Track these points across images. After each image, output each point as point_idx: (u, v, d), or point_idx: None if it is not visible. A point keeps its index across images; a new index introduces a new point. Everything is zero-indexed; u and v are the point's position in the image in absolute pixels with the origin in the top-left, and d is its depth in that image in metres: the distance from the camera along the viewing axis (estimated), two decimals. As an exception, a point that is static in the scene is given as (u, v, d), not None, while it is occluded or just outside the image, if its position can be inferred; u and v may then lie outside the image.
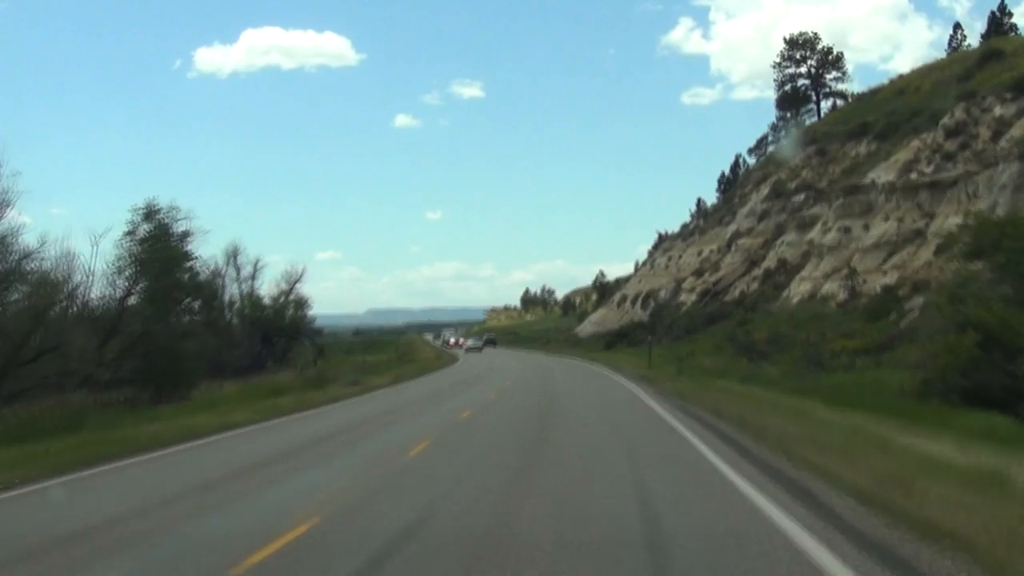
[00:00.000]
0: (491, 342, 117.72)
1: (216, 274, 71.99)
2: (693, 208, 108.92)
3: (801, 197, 74.39)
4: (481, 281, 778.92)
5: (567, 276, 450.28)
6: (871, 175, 64.98)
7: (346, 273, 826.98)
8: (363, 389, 32.93)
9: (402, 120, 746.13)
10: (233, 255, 72.00)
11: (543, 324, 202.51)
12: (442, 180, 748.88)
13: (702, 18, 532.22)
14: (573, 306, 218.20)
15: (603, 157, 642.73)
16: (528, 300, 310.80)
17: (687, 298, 74.44)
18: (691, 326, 64.61)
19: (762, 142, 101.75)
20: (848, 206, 63.77)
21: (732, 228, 78.59)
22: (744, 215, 78.80)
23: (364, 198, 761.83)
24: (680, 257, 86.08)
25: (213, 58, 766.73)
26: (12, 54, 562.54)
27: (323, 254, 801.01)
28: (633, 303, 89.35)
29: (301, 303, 72.71)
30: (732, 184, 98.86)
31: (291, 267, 73.76)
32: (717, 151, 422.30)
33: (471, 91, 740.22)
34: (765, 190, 79.96)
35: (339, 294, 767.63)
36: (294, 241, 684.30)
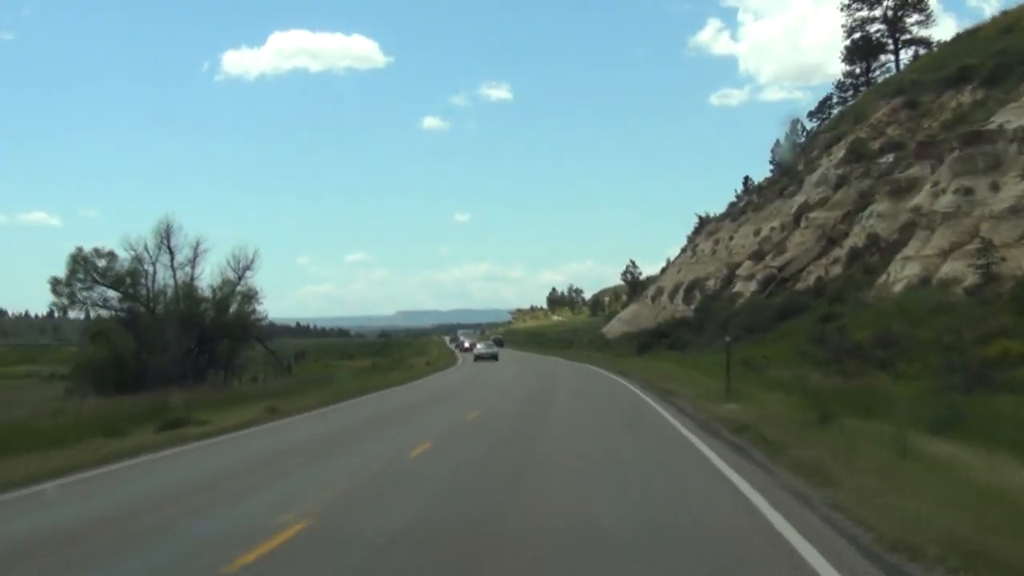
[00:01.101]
0: (498, 343, 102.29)
1: (139, 259, 56.84)
2: (739, 188, 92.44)
3: (891, 157, 58.16)
4: (511, 282, 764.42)
5: (597, 277, 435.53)
6: (996, 119, 48.44)
7: (376, 275, 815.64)
8: (168, 440, 16.98)
9: (430, 122, 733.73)
10: (165, 235, 56.69)
11: (570, 324, 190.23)
12: (471, 182, 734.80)
13: (730, 19, 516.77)
14: (602, 306, 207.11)
15: (632, 158, 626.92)
16: (555, 300, 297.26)
17: (744, 287, 58.14)
18: (754, 323, 48.43)
19: (825, 103, 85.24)
20: (968, 161, 47.21)
21: (799, 200, 62.20)
22: (813, 184, 62.37)
23: (393, 200, 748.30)
24: (731, 239, 69.69)
25: (241, 61, 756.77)
26: (39, 59, 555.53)
27: (352, 256, 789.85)
28: (672, 296, 73.09)
29: (249, 296, 57.03)
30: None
31: (239, 250, 57.91)
32: (747, 152, 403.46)
33: (499, 93, 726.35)
34: (840, 153, 63.60)
35: (368, 295, 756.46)
36: (323, 243, 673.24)
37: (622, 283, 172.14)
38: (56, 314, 56.95)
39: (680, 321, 57.42)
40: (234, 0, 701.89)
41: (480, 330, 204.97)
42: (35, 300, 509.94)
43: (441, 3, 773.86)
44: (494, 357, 72.35)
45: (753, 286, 56.95)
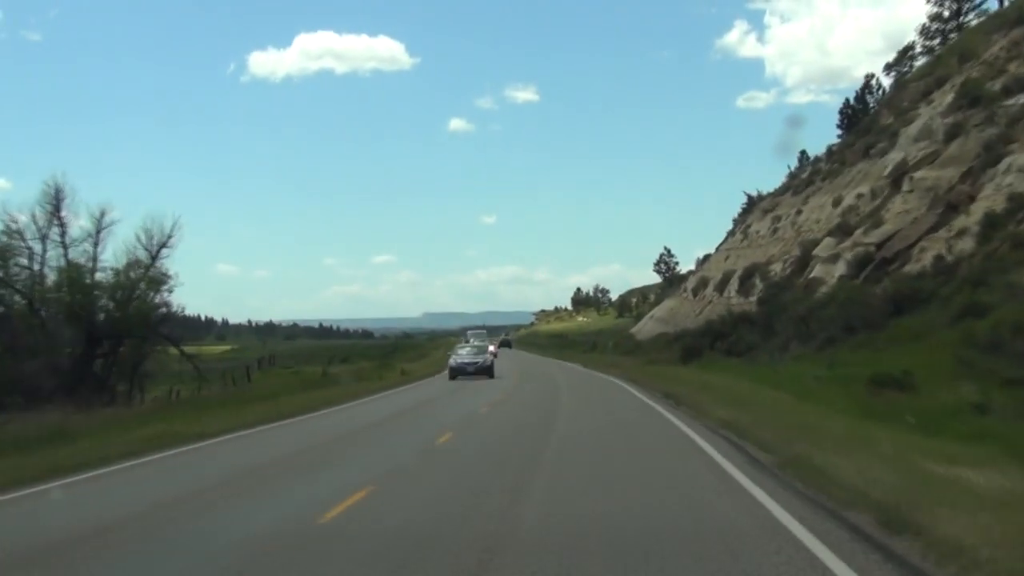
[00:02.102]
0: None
1: (18, 234, 42.51)
2: (793, 165, 77.39)
3: (1021, 98, 43.02)
4: (537, 285, 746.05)
5: (623, 280, 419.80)
6: None
7: (402, 277, 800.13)
8: None
9: (456, 124, 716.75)
10: (54, 203, 42.29)
11: (596, 326, 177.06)
12: (497, 184, 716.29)
13: (757, 22, 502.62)
14: (629, 307, 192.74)
15: (658, 161, 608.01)
16: (580, 301, 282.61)
17: (826, 272, 43.19)
18: (855, 318, 33.63)
19: (905, 54, 69.98)
20: None
21: (894, 158, 47.16)
22: (913, 137, 47.33)
23: (419, 202, 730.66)
24: (798, 213, 54.55)
25: (267, 62, 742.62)
26: (67, 59, 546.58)
27: (379, 258, 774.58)
28: (721, 288, 58.18)
29: (157, 282, 42.50)
30: (860, 115, 67.22)
31: (153, 221, 43.48)
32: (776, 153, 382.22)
33: (525, 95, 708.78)
34: (946, 98, 48.48)
35: (395, 297, 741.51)
36: (350, 244, 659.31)
37: (649, 283, 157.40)
38: None
39: (740, 317, 42.51)
40: (260, 1, 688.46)
41: (505, 332, 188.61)
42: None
43: (467, 4, 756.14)
44: (486, 371, 44.64)
45: (840, 269, 42.01)
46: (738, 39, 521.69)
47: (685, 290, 71.39)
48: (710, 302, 60.59)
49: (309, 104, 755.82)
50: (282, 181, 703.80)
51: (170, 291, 43.11)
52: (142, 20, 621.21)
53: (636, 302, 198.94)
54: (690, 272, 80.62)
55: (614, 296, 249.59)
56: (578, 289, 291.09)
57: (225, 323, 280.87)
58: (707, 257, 76.10)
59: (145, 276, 42.47)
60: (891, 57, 71.69)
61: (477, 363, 45.36)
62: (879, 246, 41.18)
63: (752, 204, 75.64)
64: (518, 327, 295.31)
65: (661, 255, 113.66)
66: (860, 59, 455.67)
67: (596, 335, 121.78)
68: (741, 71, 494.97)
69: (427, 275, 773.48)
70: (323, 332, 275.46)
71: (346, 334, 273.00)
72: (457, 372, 44.89)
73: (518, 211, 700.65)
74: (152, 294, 42.69)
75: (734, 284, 53.87)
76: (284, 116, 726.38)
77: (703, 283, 64.47)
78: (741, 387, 24.34)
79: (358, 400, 31.12)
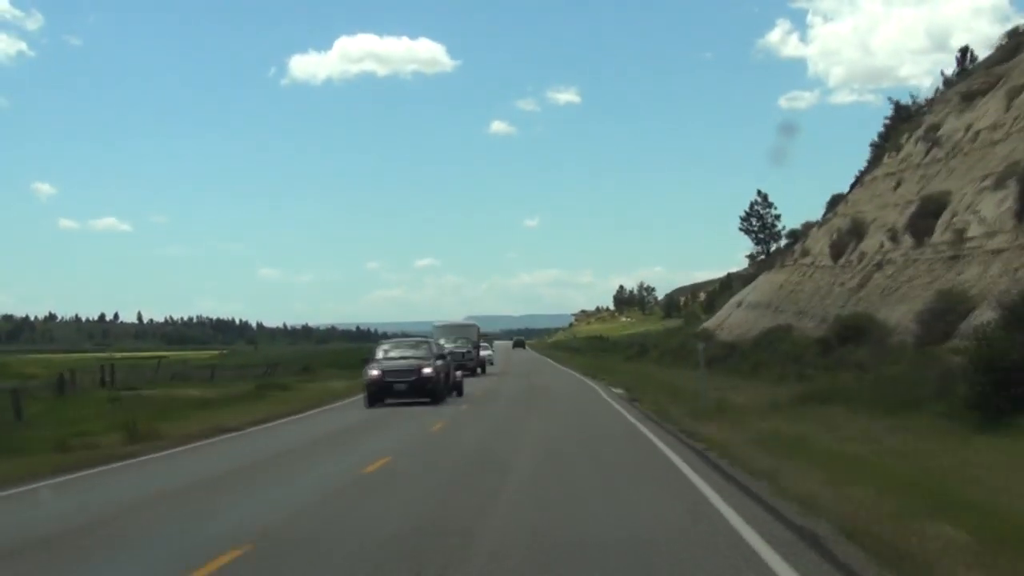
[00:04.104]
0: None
1: None
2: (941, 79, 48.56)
3: None
4: (579, 287, 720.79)
5: (667, 282, 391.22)
6: None
7: (446, 280, 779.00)
8: None
9: (498, 126, 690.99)
10: None
11: (641, 327, 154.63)
12: (539, 187, 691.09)
13: (799, 21, 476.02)
14: (678, 307, 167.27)
15: (702, 162, 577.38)
16: (623, 300, 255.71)
17: None
18: None
19: None
20: None
21: None
22: None
23: (462, 205, 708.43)
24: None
25: (307, 66, 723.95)
26: (105, 65, 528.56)
27: (421, 262, 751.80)
28: (917, 232, 28.35)
29: None
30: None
31: None
32: (820, 155, 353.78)
33: (567, 96, 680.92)
34: None
35: (438, 300, 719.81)
36: (393, 248, 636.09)
37: (699, 281, 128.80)
38: None
39: None
40: (300, 5, 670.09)
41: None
42: (87, 304, 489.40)
43: (508, 6, 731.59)
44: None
45: None
46: (780, 39, 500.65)
47: (806, 253, 41.84)
48: (877, 264, 31.22)
49: (351, 107, 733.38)
50: (324, 185, 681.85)
51: None
52: (181, 25, 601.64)
53: (685, 300, 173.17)
54: (805, 228, 50.59)
55: (660, 296, 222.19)
56: (621, 287, 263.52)
57: (260, 326, 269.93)
58: (838, 199, 46.35)
59: None
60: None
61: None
62: None
63: (902, 114, 46.38)
64: (556, 329, 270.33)
65: (753, 205, 79.67)
66: (904, 58, 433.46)
67: (643, 337, 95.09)
68: (783, 71, 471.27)
69: (469, 278, 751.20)
70: (360, 335, 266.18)
71: (383, 337, 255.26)
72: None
73: (560, 213, 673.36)
74: None
75: (982, 211, 24.20)
76: (326, 119, 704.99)
77: (854, 233, 34.89)
78: None
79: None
